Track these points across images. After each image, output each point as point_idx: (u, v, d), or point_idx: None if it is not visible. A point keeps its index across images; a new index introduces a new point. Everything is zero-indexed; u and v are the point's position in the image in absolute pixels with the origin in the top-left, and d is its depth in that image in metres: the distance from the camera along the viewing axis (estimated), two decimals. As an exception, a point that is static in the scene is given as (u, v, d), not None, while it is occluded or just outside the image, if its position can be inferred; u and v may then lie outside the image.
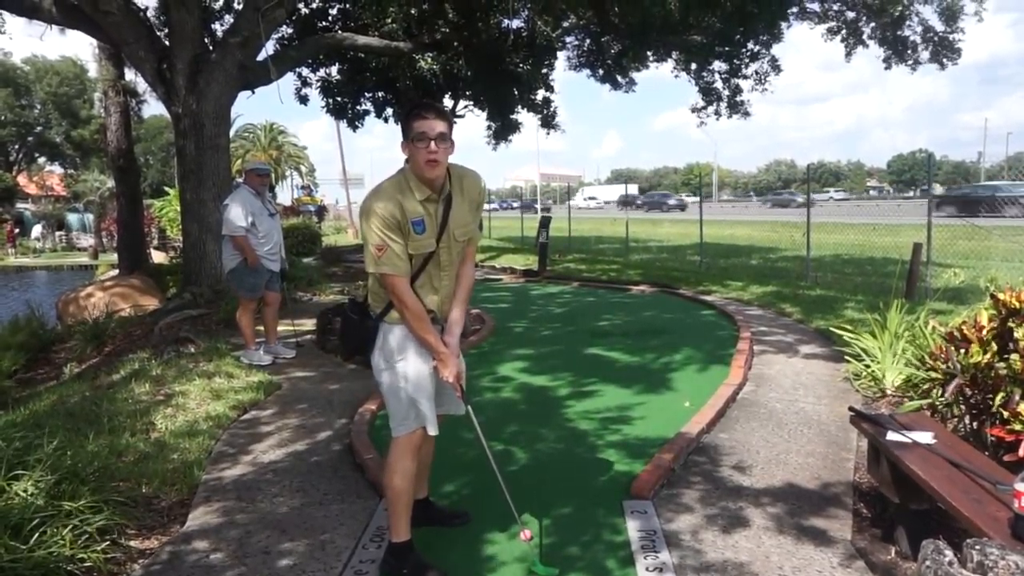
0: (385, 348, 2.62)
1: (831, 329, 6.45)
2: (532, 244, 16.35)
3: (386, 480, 2.69)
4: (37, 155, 45.72)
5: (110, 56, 13.10)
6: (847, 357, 5.52)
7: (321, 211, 36.33)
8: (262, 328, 6.36)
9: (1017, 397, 2.94)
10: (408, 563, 2.66)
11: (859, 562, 2.72)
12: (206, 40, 9.90)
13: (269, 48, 9.89)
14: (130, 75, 13.51)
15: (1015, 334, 3.15)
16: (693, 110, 16.32)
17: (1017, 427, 2.75)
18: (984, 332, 3.29)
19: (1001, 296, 3.36)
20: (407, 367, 2.60)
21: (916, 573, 1.46)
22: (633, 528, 3.00)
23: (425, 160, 2.46)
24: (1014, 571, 1.33)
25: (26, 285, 21.82)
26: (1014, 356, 3.03)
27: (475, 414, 2.76)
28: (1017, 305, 3.27)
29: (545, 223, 13.43)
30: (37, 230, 32.66)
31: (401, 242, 2.49)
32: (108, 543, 2.81)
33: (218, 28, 12.43)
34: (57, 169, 47.87)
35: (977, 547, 1.41)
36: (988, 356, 3.13)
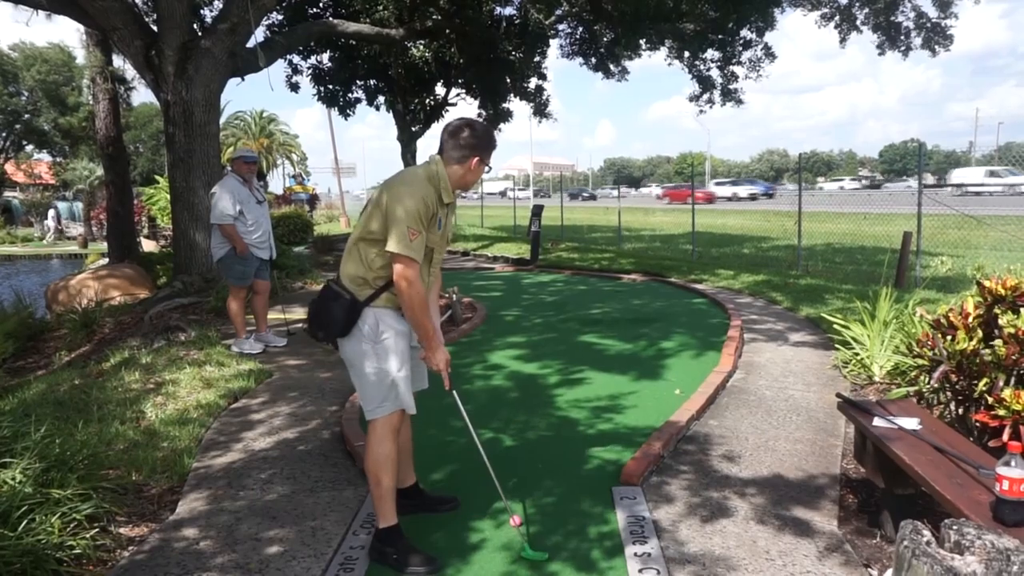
0: (368, 332, 2.66)
1: (822, 315, 6.50)
2: (524, 233, 16.34)
3: (368, 466, 2.72)
4: (25, 143, 45.20)
5: (98, 42, 12.94)
6: (836, 345, 5.56)
7: (313, 200, 36.12)
8: (253, 316, 6.34)
9: (1001, 383, 2.97)
10: (397, 547, 2.68)
11: (845, 546, 2.76)
12: (195, 27, 9.80)
13: (259, 35, 9.80)
14: (118, 62, 13.36)
15: (1000, 321, 3.17)
16: (690, 99, 16.34)
17: (1001, 413, 2.77)
18: (970, 319, 3.31)
19: (987, 283, 3.39)
20: (389, 350, 2.66)
21: (895, 552, 1.48)
22: (621, 515, 3.02)
23: (472, 183, 2.81)
24: (990, 550, 1.35)
25: (13, 273, 21.64)
26: (998, 342, 3.05)
27: (461, 400, 2.80)
28: (1002, 292, 3.30)
29: (537, 212, 13.41)
30: (51, 215, 32.19)
31: (425, 233, 2.62)
32: (97, 530, 2.81)
33: (207, 14, 12.32)
34: (45, 157, 47.35)
35: (955, 527, 1.43)
36: (974, 343, 3.15)
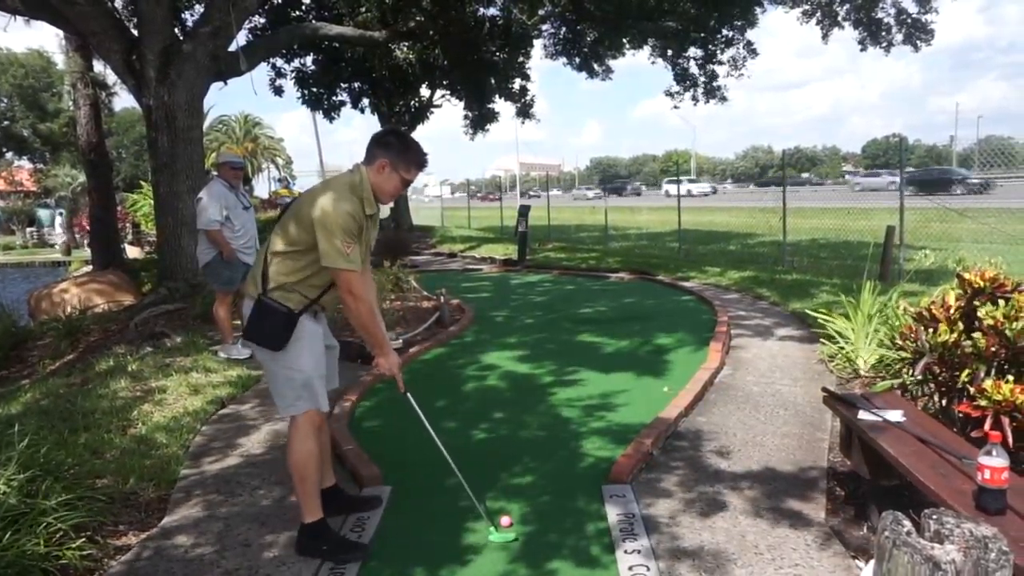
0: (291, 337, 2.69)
1: (807, 311, 6.55)
2: (512, 234, 16.33)
3: (293, 464, 2.75)
4: (5, 150, 44.65)
5: (78, 47, 12.82)
6: (822, 339, 5.60)
7: (299, 204, 35.91)
8: (239, 322, 6.30)
9: (982, 374, 3.01)
10: (327, 540, 2.74)
11: (833, 539, 2.78)
12: (176, 30, 9.73)
13: (241, 39, 9.73)
14: (99, 67, 13.25)
15: (979, 312, 3.22)
16: (668, 93, 16.40)
17: (982, 403, 2.81)
18: (951, 311, 3.35)
19: (967, 276, 3.43)
20: (304, 349, 2.70)
21: (876, 543, 1.50)
22: (612, 513, 3.03)
23: (392, 193, 2.78)
24: (968, 538, 1.37)
25: (-3, 282, 21.36)
26: (979, 334, 3.10)
27: (413, 400, 2.91)
28: (981, 284, 3.34)
29: (524, 212, 13.42)
30: (58, 222, 31.52)
31: (358, 244, 2.65)
32: (84, 540, 2.78)
33: (188, 18, 12.24)
34: (26, 164, 46.78)
35: (934, 517, 1.46)
36: (955, 335, 3.19)
